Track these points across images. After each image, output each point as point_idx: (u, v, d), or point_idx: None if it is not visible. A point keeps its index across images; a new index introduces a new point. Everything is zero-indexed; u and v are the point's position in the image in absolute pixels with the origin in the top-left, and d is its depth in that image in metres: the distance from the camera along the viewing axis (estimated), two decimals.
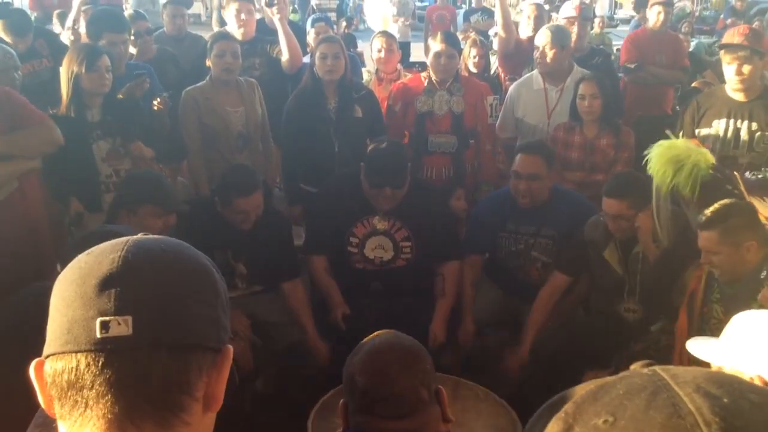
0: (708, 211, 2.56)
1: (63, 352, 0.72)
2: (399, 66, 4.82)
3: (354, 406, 1.49)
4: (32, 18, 6.12)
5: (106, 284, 0.72)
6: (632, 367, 0.59)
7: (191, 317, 0.75)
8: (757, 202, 2.79)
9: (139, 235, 0.81)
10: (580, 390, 0.56)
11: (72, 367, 0.72)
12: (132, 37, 4.20)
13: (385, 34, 4.79)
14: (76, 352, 0.72)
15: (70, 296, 0.74)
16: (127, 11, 5.22)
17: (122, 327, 0.71)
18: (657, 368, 0.56)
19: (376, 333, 1.61)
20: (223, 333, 0.80)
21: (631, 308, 3.06)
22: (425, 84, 3.93)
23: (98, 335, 0.71)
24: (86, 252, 0.78)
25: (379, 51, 4.59)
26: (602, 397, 0.54)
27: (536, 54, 4.03)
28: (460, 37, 6.06)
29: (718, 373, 0.55)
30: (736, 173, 3.03)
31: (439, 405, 1.51)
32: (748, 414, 0.50)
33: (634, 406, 0.51)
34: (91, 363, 0.71)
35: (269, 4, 4.08)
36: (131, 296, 0.72)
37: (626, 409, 0.51)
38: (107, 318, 0.71)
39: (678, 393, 0.51)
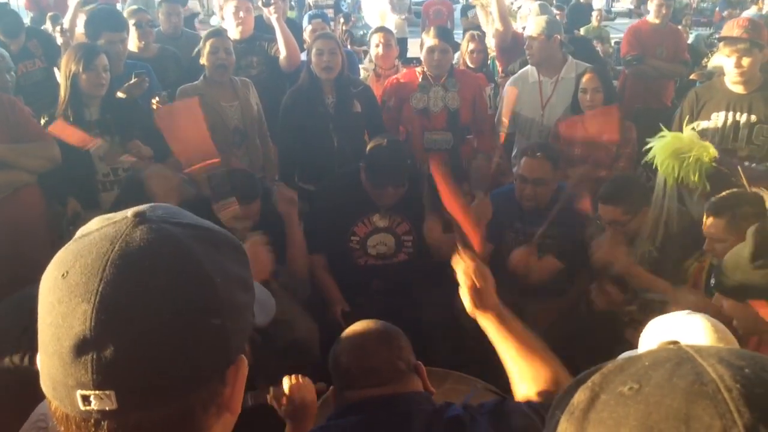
0: (717, 198, 2.54)
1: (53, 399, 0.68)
2: (397, 62, 4.80)
3: (340, 385, 1.61)
4: (28, 18, 6.12)
5: (80, 348, 0.63)
6: (659, 344, 0.61)
7: (188, 362, 0.67)
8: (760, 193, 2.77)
9: (122, 245, 0.67)
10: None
11: (66, 419, 0.67)
12: (135, 27, 4.19)
13: (383, 30, 4.77)
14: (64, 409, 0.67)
15: (49, 347, 0.66)
16: (129, 7, 5.20)
17: (105, 402, 0.64)
18: (682, 344, 0.59)
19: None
20: (237, 342, 0.72)
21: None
22: (419, 79, 3.91)
23: (81, 407, 0.65)
24: (61, 271, 0.67)
25: (377, 46, 4.57)
26: (628, 368, 0.57)
27: (526, 44, 4.04)
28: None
29: (740, 350, 0.58)
30: (739, 167, 3.01)
31: (418, 377, 1.60)
32: None
33: (659, 375, 0.54)
34: (82, 424, 0.66)
35: (266, 4, 4.05)
36: (110, 364, 0.63)
37: (651, 378, 0.54)
38: (87, 392, 0.64)
39: (701, 363, 0.54)
